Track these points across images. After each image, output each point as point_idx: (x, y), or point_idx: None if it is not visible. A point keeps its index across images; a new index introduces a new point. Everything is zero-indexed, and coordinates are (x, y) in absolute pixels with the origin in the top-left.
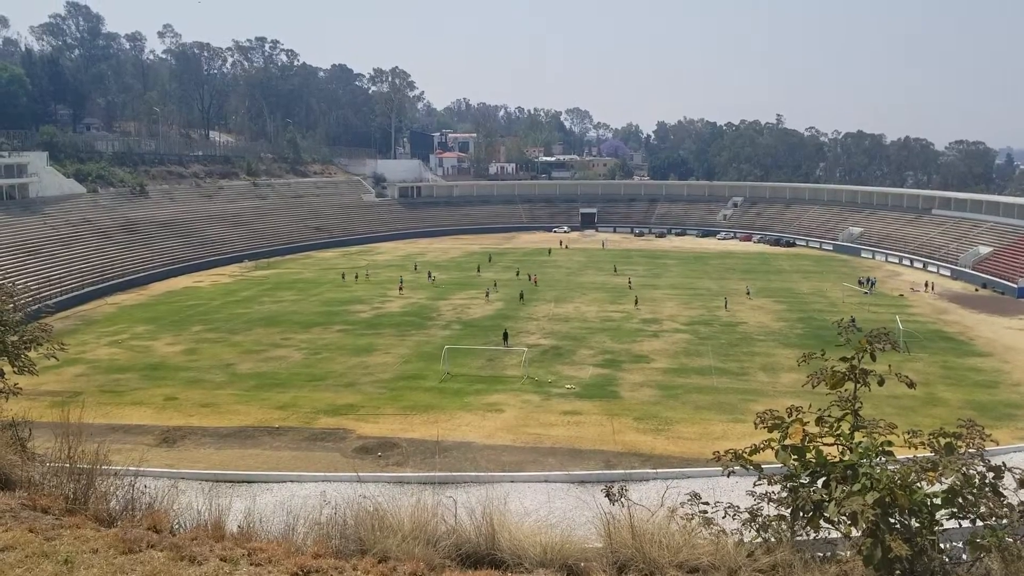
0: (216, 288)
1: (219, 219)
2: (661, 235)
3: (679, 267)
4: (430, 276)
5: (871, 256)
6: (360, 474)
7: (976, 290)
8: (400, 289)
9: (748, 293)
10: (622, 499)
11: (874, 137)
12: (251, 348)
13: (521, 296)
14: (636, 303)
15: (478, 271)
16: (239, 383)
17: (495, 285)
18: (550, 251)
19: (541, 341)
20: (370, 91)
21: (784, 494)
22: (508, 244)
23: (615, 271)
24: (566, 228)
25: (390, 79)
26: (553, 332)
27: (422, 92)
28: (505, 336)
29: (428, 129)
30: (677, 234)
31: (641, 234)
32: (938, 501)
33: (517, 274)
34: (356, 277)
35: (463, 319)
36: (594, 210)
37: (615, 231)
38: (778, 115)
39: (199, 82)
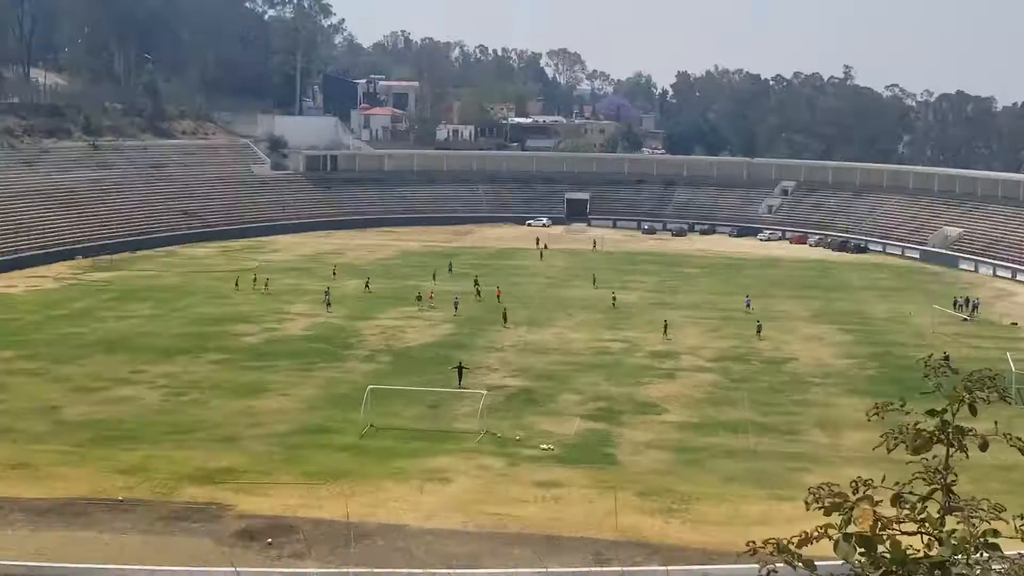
0: (35, 296)
1: (42, 196)
2: (680, 233)
3: (705, 279)
4: (367, 286)
5: (973, 268)
6: (239, 570)
7: None
8: (328, 305)
9: (748, 306)
10: None
11: (980, 100)
12: (85, 385)
13: (504, 318)
14: (665, 331)
15: (434, 279)
16: (66, 435)
17: (420, 299)
18: (541, 255)
19: (507, 381)
20: (266, 17)
21: None
22: (461, 241)
23: (594, 282)
24: (546, 220)
25: (295, 2)
26: (524, 368)
27: (342, 21)
28: (460, 372)
29: (350, 75)
30: (703, 232)
31: (652, 231)
32: None
33: (475, 283)
34: (265, 284)
35: (394, 347)
36: (586, 196)
37: (615, 226)
38: (846, 67)
39: None
